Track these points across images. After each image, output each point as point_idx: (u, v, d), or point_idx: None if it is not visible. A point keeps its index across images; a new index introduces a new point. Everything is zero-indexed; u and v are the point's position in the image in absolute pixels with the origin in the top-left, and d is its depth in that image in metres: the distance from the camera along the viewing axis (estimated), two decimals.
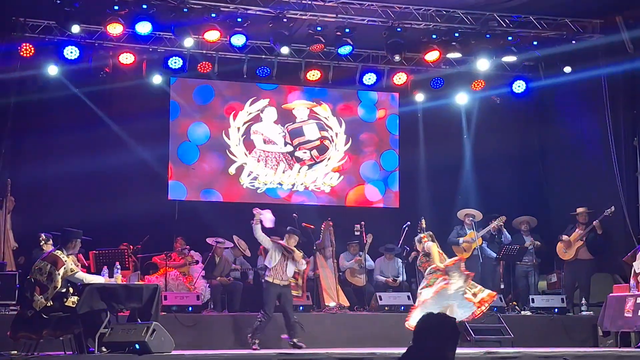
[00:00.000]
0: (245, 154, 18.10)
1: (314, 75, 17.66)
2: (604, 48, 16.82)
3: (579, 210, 16.52)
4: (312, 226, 16.44)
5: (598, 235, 16.20)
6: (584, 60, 16.93)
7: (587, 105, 17.71)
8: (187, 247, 15.96)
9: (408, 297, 15.50)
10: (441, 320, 5.47)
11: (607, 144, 16.74)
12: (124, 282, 11.98)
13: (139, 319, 11.23)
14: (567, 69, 17.17)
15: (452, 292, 12.95)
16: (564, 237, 16.47)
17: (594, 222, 16.14)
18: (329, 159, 18.62)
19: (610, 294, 14.52)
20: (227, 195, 18.06)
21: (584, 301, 16.02)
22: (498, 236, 16.77)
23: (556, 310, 15.70)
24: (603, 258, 16.55)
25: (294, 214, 16.30)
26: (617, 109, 16.90)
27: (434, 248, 13.35)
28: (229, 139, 18.03)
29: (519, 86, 17.97)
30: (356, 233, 16.52)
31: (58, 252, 10.99)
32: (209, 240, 15.96)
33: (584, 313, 15.87)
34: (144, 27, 15.34)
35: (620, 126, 16.89)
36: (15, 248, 14.88)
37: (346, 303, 15.61)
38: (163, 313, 12.61)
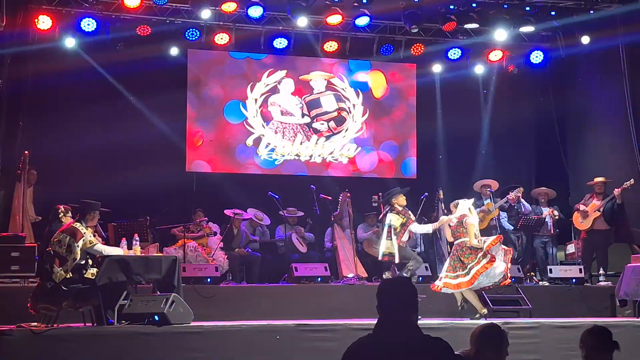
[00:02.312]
0: (263, 126, 18.10)
1: (331, 46, 17.64)
2: (621, 17, 16.70)
3: (597, 180, 16.40)
4: (329, 197, 16.47)
5: (617, 204, 16.09)
6: (602, 29, 16.82)
7: (605, 75, 17.61)
8: (205, 218, 16.00)
9: (426, 267, 15.43)
10: (400, 283, 5.47)
11: (625, 114, 16.65)
12: (143, 254, 12.03)
13: (158, 291, 11.30)
14: (585, 39, 17.10)
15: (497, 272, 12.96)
16: (581, 206, 16.40)
17: (615, 191, 16.01)
18: (346, 130, 18.61)
19: (628, 264, 14.48)
20: (244, 167, 18.08)
21: (601, 271, 15.97)
22: (517, 207, 16.70)
23: (574, 280, 15.63)
24: (620, 228, 16.47)
25: (312, 185, 16.35)
26: (636, 79, 16.79)
27: (472, 227, 13.07)
28: (247, 110, 18.04)
29: (536, 56, 17.93)
30: (374, 204, 16.50)
31: (77, 224, 11.02)
32: (227, 212, 16.01)
33: (602, 283, 15.81)
34: None
35: (639, 96, 16.79)
36: (37, 220, 14.95)
37: (364, 274, 15.62)
38: (182, 284, 12.64)
